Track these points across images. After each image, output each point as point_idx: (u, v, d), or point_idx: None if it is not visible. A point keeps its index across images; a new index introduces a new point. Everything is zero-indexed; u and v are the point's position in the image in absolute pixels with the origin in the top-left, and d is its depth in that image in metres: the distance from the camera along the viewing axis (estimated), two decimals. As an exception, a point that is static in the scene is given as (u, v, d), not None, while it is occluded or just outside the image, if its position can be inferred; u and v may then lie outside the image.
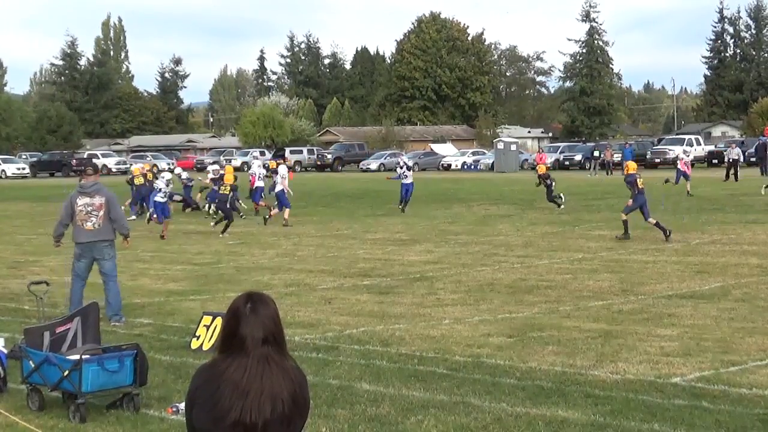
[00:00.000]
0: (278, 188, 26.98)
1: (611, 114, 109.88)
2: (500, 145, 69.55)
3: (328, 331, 11.37)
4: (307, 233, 24.36)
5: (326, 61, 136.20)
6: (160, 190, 26.20)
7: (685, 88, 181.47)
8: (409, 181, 30.51)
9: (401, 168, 31.12)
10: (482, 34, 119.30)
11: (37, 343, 8.55)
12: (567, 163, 67.02)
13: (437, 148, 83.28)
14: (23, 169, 77.74)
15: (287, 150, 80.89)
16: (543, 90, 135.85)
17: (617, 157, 59.38)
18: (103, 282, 12.47)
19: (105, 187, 12.66)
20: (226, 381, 3.60)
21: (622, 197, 32.95)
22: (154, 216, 26.56)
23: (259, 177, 31.57)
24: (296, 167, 73.88)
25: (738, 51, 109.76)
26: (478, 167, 70.95)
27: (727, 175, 44.12)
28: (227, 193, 24.70)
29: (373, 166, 74.95)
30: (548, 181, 29.72)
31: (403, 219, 27.95)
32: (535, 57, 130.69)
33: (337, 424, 7.64)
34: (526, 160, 71.51)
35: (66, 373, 8.07)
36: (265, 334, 3.66)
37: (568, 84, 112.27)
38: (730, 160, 45.14)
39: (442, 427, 7.52)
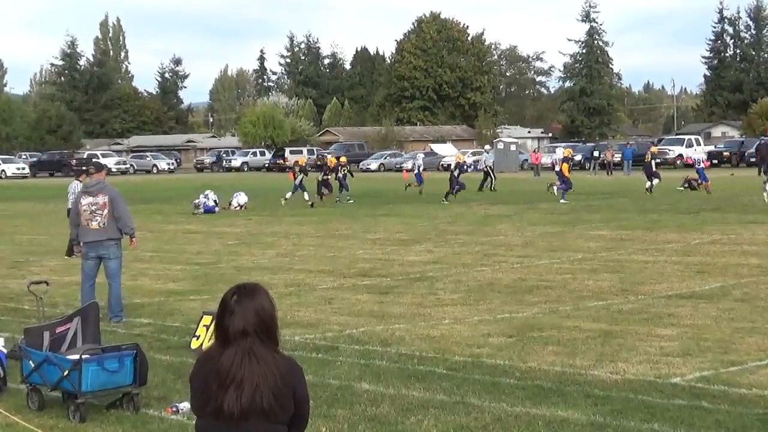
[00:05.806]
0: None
1: (611, 114, 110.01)
2: (500, 146, 69.56)
3: (328, 331, 11.37)
4: (307, 233, 24.35)
5: (326, 61, 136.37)
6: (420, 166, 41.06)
7: (685, 89, 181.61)
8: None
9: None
10: (482, 34, 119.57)
11: (37, 343, 8.54)
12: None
13: (437, 148, 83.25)
14: (23, 169, 77.79)
15: (287, 150, 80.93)
16: (543, 90, 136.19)
17: (618, 158, 59.43)
18: (107, 281, 12.47)
19: (109, 185, 12.64)
20: (211, 371, 3.72)
21: (623, 197, 32.97)
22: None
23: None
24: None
25: (738, 51, 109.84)
26: (478, 167, 70.89)
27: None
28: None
29: (373, 166, 74.94)
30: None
31: (403, 219, 27.95)
32: (534, 57, 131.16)
33: (336, 424, 7.64)
34: (526, 160, 71.58)
35: (66, 372, 8.06)
36: (245, 327, 3.71)
37: (567, 84, 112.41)
38: None
39: (441, 427, 7.52)
